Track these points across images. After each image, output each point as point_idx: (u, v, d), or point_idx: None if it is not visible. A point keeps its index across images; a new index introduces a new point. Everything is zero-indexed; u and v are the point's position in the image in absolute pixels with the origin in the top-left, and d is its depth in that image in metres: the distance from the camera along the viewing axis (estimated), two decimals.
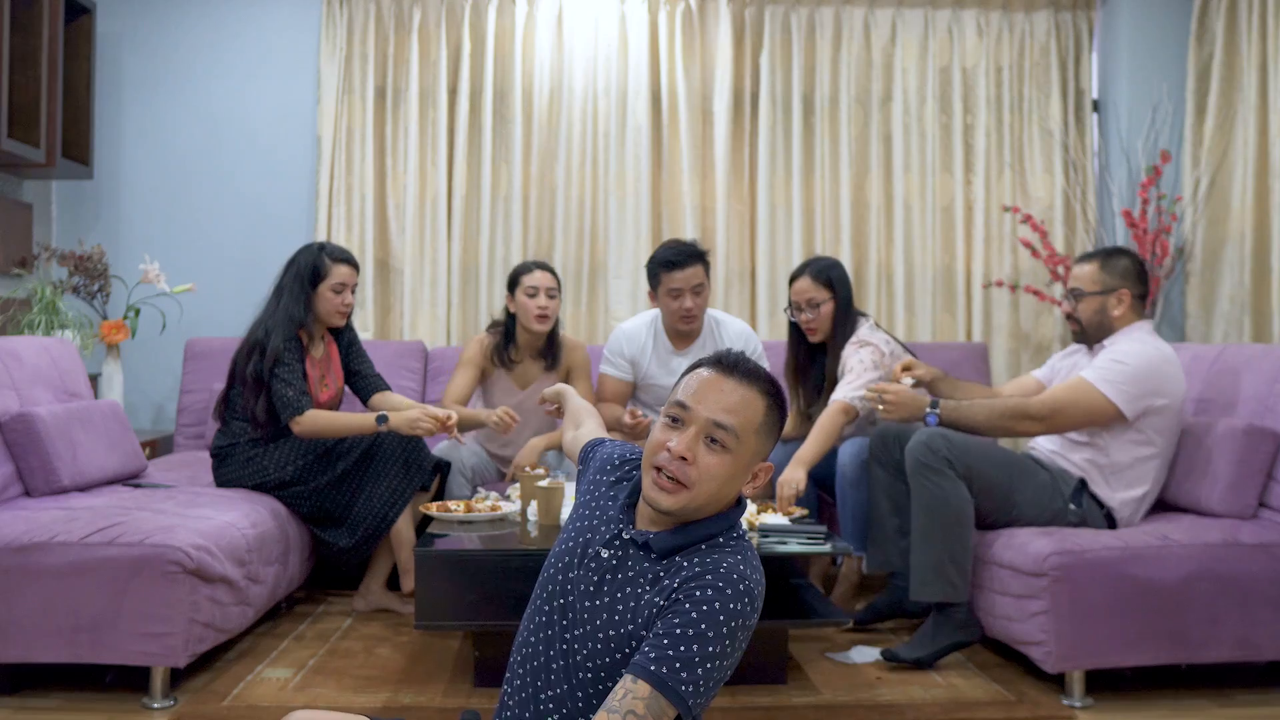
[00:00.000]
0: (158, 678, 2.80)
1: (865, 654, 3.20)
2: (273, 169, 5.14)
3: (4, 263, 4.47)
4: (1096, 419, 3.10)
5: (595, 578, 1.76)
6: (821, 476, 3.72)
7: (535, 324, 3.91)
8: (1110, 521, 3.15)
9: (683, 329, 3.96)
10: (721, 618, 1.63)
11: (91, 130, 4.82)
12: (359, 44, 5.09)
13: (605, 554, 1.77)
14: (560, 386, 2.51)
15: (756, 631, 2.89)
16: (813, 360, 3.89)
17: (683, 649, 1.60)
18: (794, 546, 2.99)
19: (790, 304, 3.83)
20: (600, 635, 1.71)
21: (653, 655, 1.61)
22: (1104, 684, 2.96)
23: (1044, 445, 3.26)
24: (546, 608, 1.79)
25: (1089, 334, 3.30)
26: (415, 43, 5.09)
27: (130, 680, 2.88)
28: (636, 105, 5.12)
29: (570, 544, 1.82)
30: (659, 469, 1.71)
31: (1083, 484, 3.15)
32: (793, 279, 3.82)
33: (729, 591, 1.65)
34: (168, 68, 5.12)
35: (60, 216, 5.09)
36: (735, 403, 1.72)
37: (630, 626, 1.69)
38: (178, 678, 2.93)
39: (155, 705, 2.79)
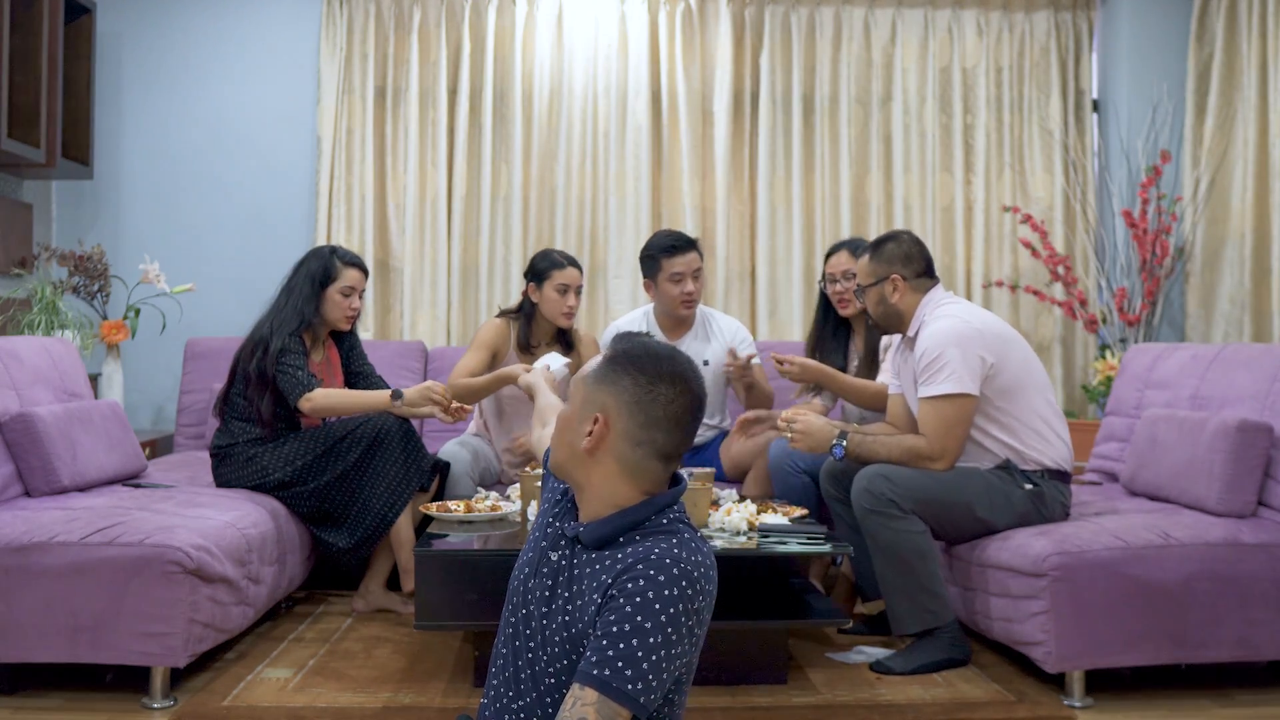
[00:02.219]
0: (158, 678, 2.80)
1: (865, 654, 3.20)
2: (273, 169, 5.14)
3: (4, 263, 4.47)
4: (966, 418, 3.09)
5: (549, 582, 1.76)
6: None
7: (562, 320, 3.93)
8: (1060, 475, 3.16)
9: (684, 313, 4.02)
10: (657, 606, 1.60)
11: (91, 130, 4.82)
12: (359, 44, 5.10)
13: (554, 556, 1.78)
14: (532, 379, 2.42)
15: (756, 631, 2.94)
16: (835, 336, 3.92)
17: (622, 646, 1.58)
18: (794, 546, 2.99)
19: (824, 276, 3.88)
20: (556, 639, 1.70)
21: (594, 659, 1.58)
22: (1104, 684, 2.96)
23: (961, 463, 3.24)
24: (513, 618, 1.79)
25: (882, 325, 3.34)
26: (415, 43, 5.09)
27: (130, 680, 2.88)
28: (636, 105, 5.12)
29: (531, 553, 1.83)
30: None
31: (1015, 466, 3.15)
32: (830, 253, 3.88)
33: (661, 578, 1.62)
34: (168, 68, 5.12)
35: (60, 216, 5.09)
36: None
37: (579, 627, 1.68)
38: (178, 678, 2.92)
39: (155, 705, 2.79)
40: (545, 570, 1.78)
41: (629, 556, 1.67)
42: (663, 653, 1.59)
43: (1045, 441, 3.16)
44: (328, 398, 3.56)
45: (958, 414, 3.08)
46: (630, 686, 1.57)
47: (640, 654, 1.58)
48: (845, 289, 3.80)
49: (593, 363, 1.81)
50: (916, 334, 3.21)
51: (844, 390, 3.73)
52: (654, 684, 1.58)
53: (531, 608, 1.76)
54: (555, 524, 1.83)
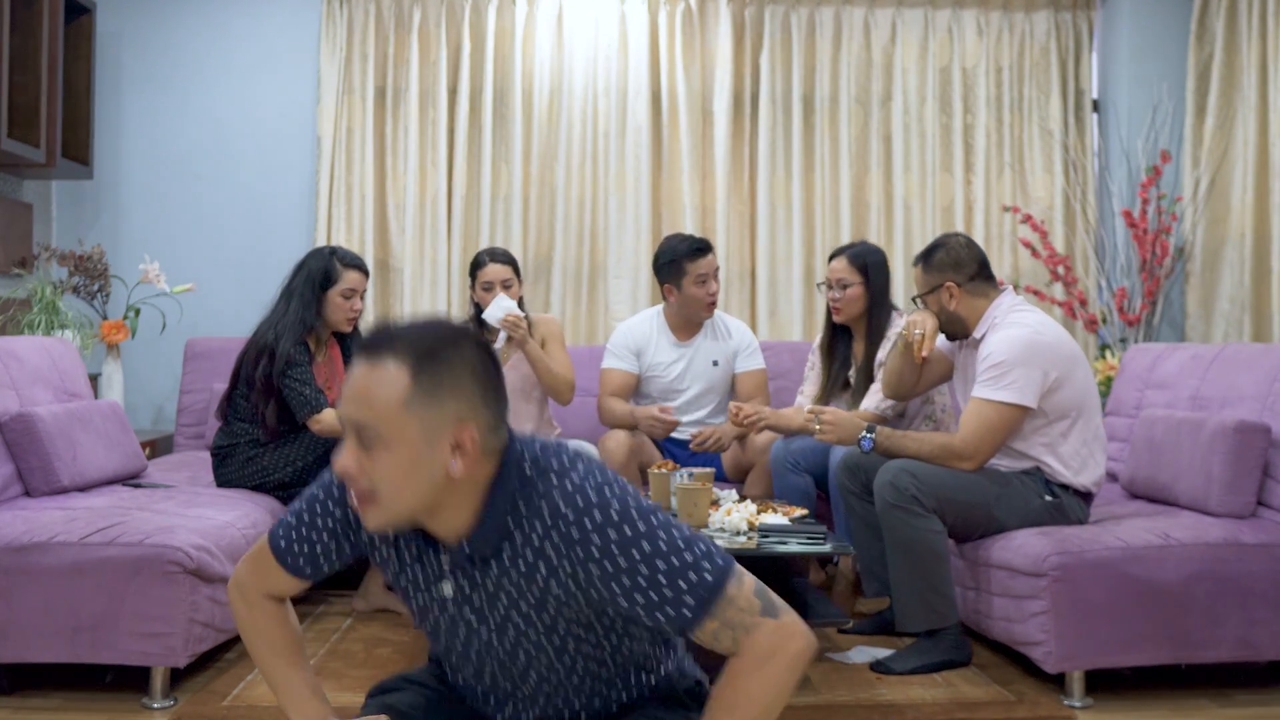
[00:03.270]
0: (158, 678, 2.80)
1: (865, 654, 3.20)
2: (273, 169, 5.14)
3: (4, 263, 4.47)
4: (1013, 427, 3.08)
5: (466, 614, 1.59)
6: (820, 477, 3.72)
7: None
8: (1084, 496, 3.16)
9: (706, 316, 4.08)
10: (626, 514, 1.47)
11: (91, 130, 4.82)
12: (359, 44, 5.09)
13: (449, 590, 1.58)
14: None
15: None
16: (836, 341, 3.92)
17: (662, 566, 1.47)
18: (794, 546, 2.99)
19: (825, 280, 3.88)
20: (525, 641, 1.59)
21: (668, 599, 1.47)
22: (1104, 684, 2.96)
23: (992, 461, 3.23)
24: (468, 658, 1.67)
25: (947, 332, 3.32)
26: (415, 43, 5.09)
27: (130, 680, 2.88)
28: (636, 105, 5.12)
29: (415, 602, 1.66)
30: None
31: (1043, 475, 3.15)
32: (831, 257, 3.89)
33: (596, 500, 1.48)
34: (168, 68, 5.12)
35: (60, 216, 5.09)
36: (363, 390, 1.44)
37: (552, 609, 1.53)
38: (178, 678, 2.92)
39: (155, 705, 2.79)
40: (451, 610, 1.60)
41: (547, 526, 1.49)
42: (671, 525, 1.49)
43: (1082, 463, 3.14)
44: (335, 419, 3.54)
45: (1003, 422, 3.07)
46: (712, 574, 1.47)
47: (675, 552, 1.47)
48: (838, 297, 3.79)
49: (389, 385, 1.43)
50: (984, 336, 3.19)
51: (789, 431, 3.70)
52: (711, 548, 1.49)
53: (470, 647, 1.64)
54: (407, 562, 1.62)
